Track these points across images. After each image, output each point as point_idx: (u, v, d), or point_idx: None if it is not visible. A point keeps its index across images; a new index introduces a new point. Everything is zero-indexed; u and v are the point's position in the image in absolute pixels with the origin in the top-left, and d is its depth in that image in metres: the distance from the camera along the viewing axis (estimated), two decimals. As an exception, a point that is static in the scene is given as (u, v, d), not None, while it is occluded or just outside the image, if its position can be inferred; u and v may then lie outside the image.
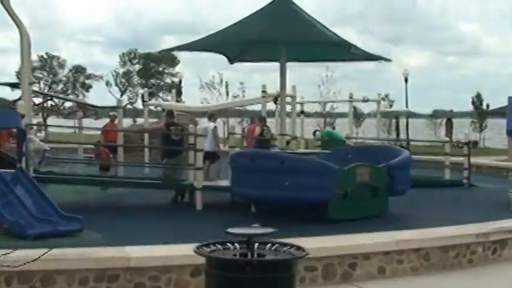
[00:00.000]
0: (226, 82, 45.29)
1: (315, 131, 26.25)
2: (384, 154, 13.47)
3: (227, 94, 44.91)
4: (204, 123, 17.86)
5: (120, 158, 18.03)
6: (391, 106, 48.49)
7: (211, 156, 15.84)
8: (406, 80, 40.48)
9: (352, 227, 10.17)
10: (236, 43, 14.14)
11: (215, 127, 17.07)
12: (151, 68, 68.64)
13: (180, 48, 13.94)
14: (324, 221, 11.10)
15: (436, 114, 64.00)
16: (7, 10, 12.31)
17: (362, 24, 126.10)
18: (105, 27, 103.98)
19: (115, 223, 11.28)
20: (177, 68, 67.43)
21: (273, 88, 18.97)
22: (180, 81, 39.96)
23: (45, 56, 65.82)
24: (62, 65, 66.99)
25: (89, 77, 68.80)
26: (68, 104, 37.29)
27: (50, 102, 29.96)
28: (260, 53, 15.46)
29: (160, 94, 64.71)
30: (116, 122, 18.76)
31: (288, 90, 17.84)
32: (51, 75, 65.74)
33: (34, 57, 66.45)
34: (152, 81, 68.40)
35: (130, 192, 15.11)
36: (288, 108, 18.87)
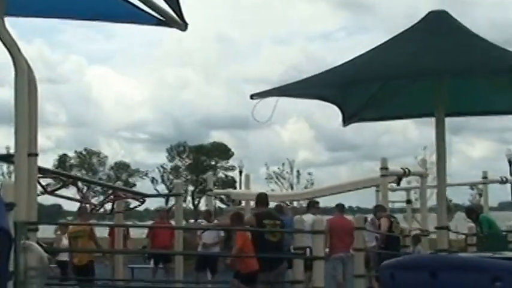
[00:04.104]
0: (298, 171, 40.29)
1: (468, 209, 14.94)
2: None
3: (291, 187, 39.62)
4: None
5: (179, 271, 11.88)
6: (480, 195, 42.78)
7: None
8: (510, 163, 34.17)
9: None
10: (365, 82, 8.62)
11: None
12: (202, 161, 63.65)
13: (276, 92, 8.38)
14: None
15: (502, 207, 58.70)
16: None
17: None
18: (148, 124, 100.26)
19: None
20: (231, 162, 62.80)
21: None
22: (241, 173, 35.35)
23: (83, 152, 61.68)
24: (102, 162, 62.94)
25: (133, 173, 64.22)
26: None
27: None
28: (399, 102, 9.51)
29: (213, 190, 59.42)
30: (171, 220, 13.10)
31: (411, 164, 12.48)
32: (90, 173, 60.52)
33: (71, 153, 62.60)
34: (204, 176, 63.52)
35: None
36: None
